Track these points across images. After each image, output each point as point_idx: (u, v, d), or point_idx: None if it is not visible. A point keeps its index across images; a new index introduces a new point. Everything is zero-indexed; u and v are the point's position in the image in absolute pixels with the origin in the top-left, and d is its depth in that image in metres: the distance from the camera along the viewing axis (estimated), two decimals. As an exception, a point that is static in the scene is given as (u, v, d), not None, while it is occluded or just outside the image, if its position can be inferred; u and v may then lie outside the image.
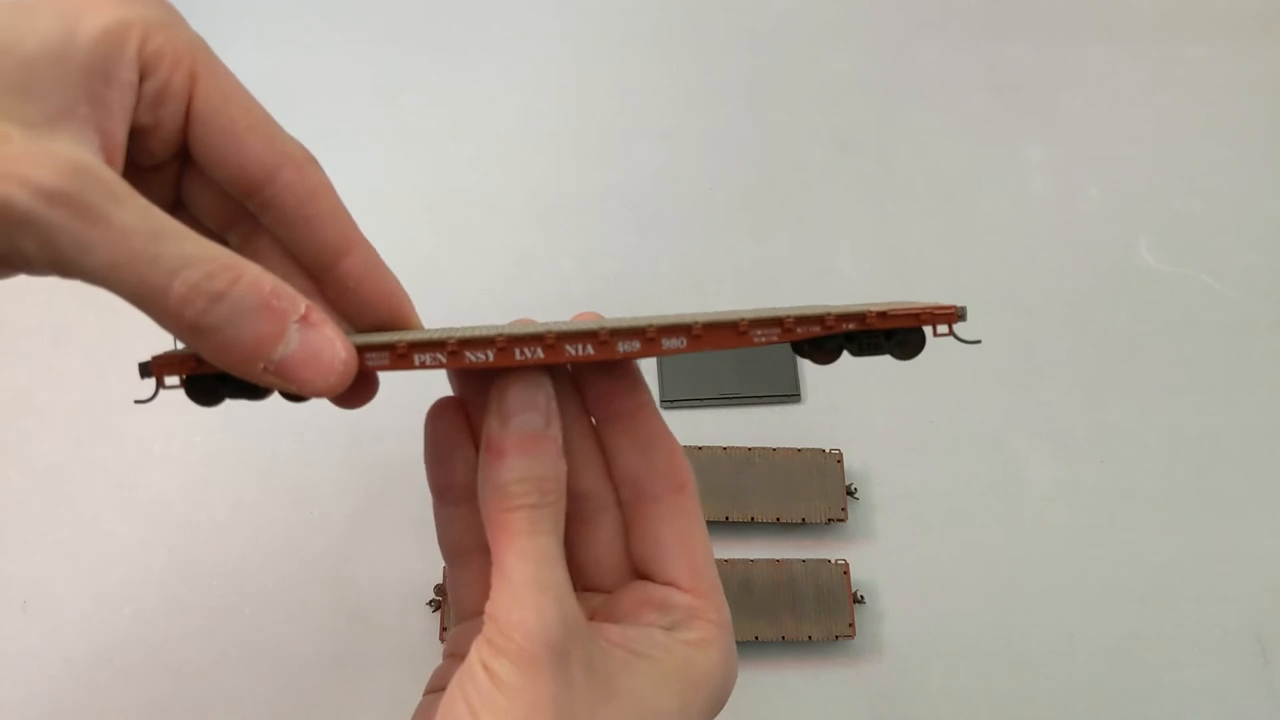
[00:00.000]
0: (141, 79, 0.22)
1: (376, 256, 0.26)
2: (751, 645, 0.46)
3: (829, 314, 0.27)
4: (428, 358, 0.24)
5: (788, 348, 0.30)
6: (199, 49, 0.23)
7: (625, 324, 0.25)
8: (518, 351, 0.25)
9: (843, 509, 0.48)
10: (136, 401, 0.24)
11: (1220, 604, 0.48)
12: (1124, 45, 0.65)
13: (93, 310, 0.51)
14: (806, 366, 0.53)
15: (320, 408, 0.50)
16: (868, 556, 0.48)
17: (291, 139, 0.25)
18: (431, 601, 0.45)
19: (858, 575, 0.47)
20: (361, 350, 0.23)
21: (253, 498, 0.48)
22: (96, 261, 0.19)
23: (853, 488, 0.49)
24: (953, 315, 0.28)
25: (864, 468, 0.50)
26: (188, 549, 0.47)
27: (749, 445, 0.49)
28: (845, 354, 0.28)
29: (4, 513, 0.48)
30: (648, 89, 0.62)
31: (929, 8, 0.66)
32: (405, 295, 0.27)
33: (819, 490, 0.48)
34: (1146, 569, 0.49)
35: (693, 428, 0.51)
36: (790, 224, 0.55)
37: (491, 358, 0.24)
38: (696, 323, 0.25)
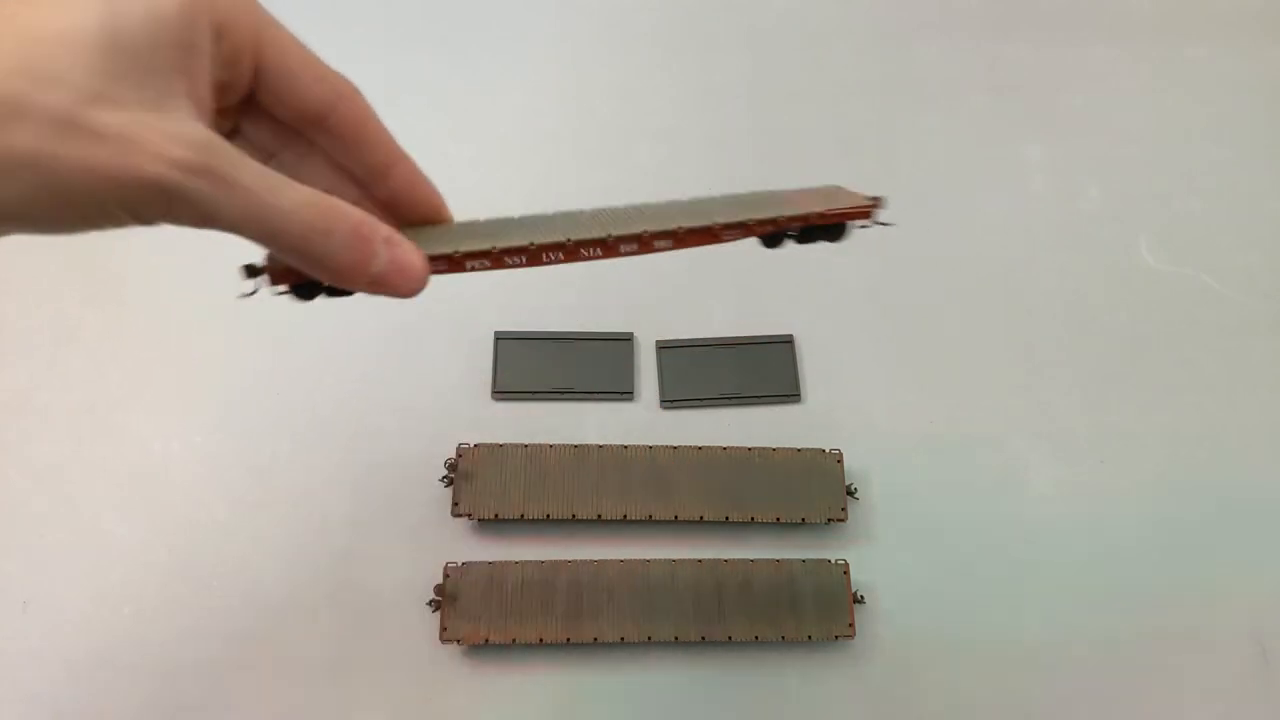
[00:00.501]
0: (216, 44, 0.26)
1: (416, 167, 0.31)
2: (751, 645, 0.46)
3: (781, 215, 0.33)
4: (476, 263, 0.30)
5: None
6: (256, 8, 0.27)
7: (626, 231, 0.31)
8: (544, 255, 0.30)
9: (843, 509, 0.48)
10: (241, 296, 0.28)
11: (1220, 604, 0.48)
12: (1124, 45, 0.65)
13: (93, 310, 0.52)
14: (806, 367, 0.53)
15: (318, 402, 0.50)
16: (868, 556, 0.48)
17: (339, 75, 0.29)
18: (431, 601, 0.45)
19: (858, 575, 0.47)
20: (429, 258, 0.28)
21: (253, 498, 0.48)
22: (232, 216, 0.24)
23: (853, 488, 0.49)
24: (868, 211, 0.35)
25: (864, 468, 0.50)
26: (188, 549, 0.47)
27: (749, 445, 0.49)
28: (790, 243, 0.34)
29: (4, 513, 0.48)
30: (648, 89, 0.62)
31: (929, 8, 0.66)
32: (441, 198, 0.32)
33: (819, 490, 0.48)
34: (1146, 569, 0.49)
35: (693, 428, 0.51)
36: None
37: (524, 261, 0.30)
38: (680, 227, 0.32)
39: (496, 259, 0.30)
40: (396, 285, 0.28)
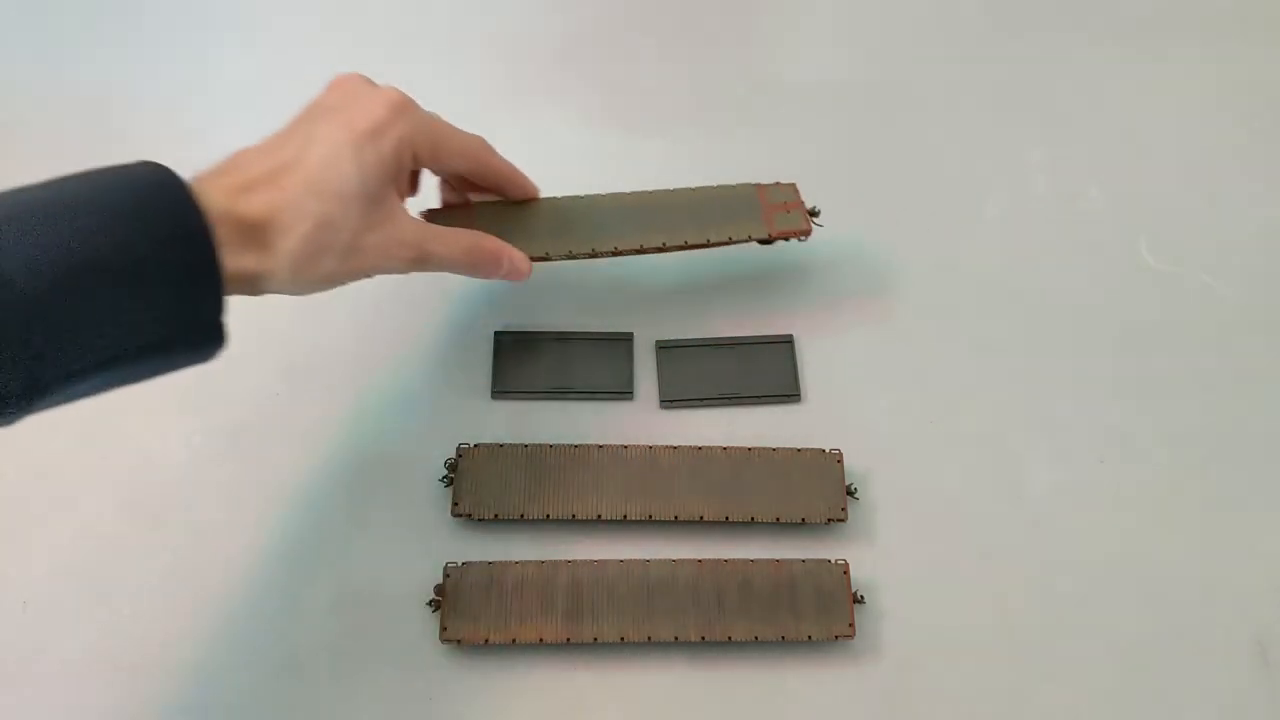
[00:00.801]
0: (411, 159, 0.42)
1: (524, 181, 0.50)
2: (751, 645, 0.46)
3: (750, 237, 0.50)
4: (557, 259, 0.48)
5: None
6: (429, 122, 0.43)
7: (643, 245, 0.49)
8: (599, 254, 0.49)
9: (843, 509, 0.48)
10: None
11: (1220, 604, 0.48)
12: (1124, 45, 0.65)
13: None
14: (806, 367, 0.53)
15: (317, 402, 0.50)
16: (868, 556, 0.48)
17: (477, 141, 0.46)
18: (431, 601, 0.45)
19: (858, 575, 0.47)
20: (532, 258, 0.47)
21: (252, 498, 0.48)
22: (438, 267, 0.44)
23: (853, 488, 0.49)
24: (807, 233, 0.51)
25: (864, 468, 0.50)
26: (188, 549, 0.47)
27: (749, 445, 0.49)
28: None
29: (4, 513, 0.48)
30: (647, 88, 0.62)
31: (930, 8, 0.66)
32: (535, 188, 0.50)
33: (819, 490, 0.48)
34: (1146, 569, 0.49)
35: (693, 428, 0.51)
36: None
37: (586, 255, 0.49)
38: (687, 241, 0.50)
39: (569, 257, 0.48)
40: (515, 279, 0.47)
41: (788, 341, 0.53)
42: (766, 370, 0.52)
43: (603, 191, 0.52)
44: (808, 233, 0.50)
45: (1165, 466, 0.51)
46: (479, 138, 0.46)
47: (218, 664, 0.45)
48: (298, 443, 0.50)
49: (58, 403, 0.33)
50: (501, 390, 0.51)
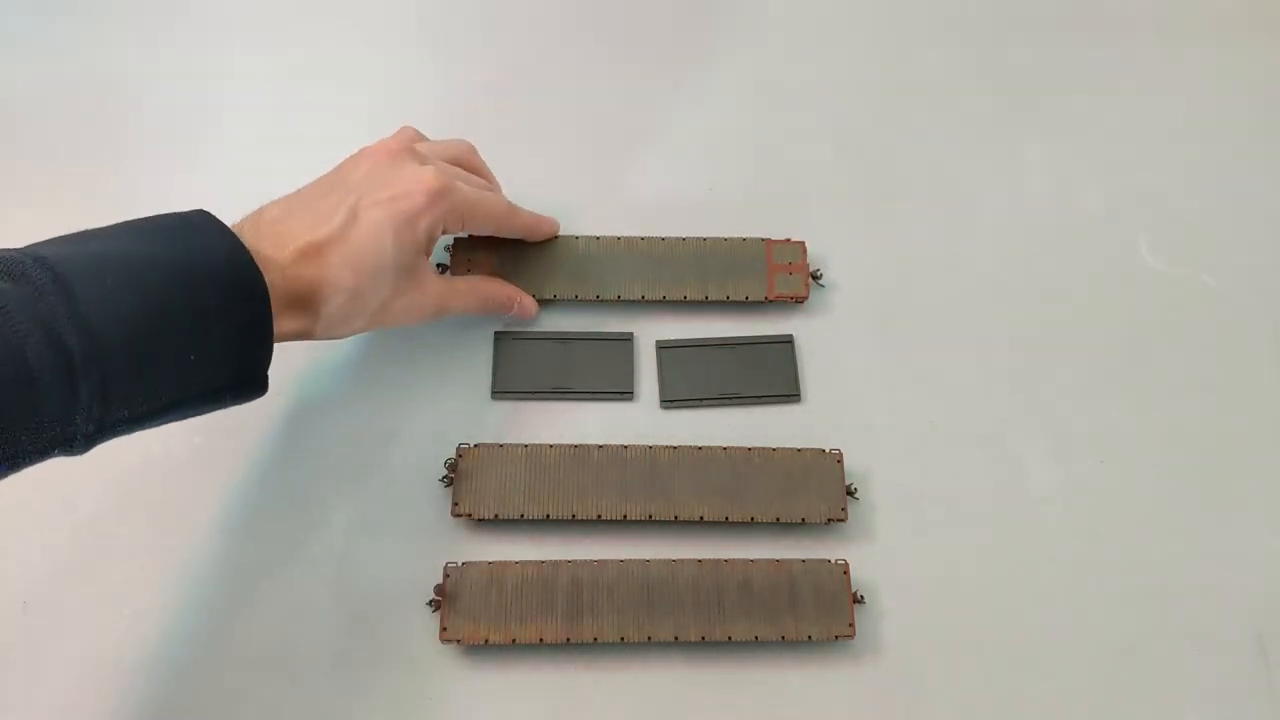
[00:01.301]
0: (440, 229, 0.46)
1: (542, 225, 0.53)
2: (751, 645, 0.46)
3: (748, 298, 0.53)
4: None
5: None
6: (463, 201, 0.46)
7: (645, 295, 0.54)
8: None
9: (843, 509, 0.48)
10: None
11: (1220, 604, 0.48)
12: (1124, 45, 0.65)
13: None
14: (806, 367, 0.53)
15: (317, 402, 0.50)
16: (868, 556, 0.48)
17: (502, 207, 0.50)
18: (431, 601, 0.45)
19: (858, 575, 0.47)
20: (540, 300, 0.52)
21: (253, 498, 0.48)
22: (456, 314, 0.50)
23: (853, 488, 0.49)
24: (803, 299, 0.54)
25: (864, 468, 0.50)
26: (188, 549, 0.47)
27: (749, 445, 0.49)
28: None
29: (4, 513, 0.48)
30: (647, 88, 0.62)
31: (930, 7, 0.66)
32: (556, 227, 0.54)
33: (819, 490, 0.48)
34: (1146, 569, 0.49)
35: (693, 428, 0.51)
36: (791, 224, 0.55)
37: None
38: (687, 296, 0.54)
39: (576, 300, 0.53)
40: (523, 318, 0.52)
41: (788, 341, 0.53)
42: (766, 370, 0.52)
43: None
44: (804, 299, 0.53)
45: (1165, 466, 0.51)
46: (504, 202, 0.50)
47: (218, 664, 0.45)
48: (298, 443, 0.50)
49: (119, 435, 0.36)
50: (501, 390, 0.51)
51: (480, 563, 0.46)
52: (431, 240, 0.45)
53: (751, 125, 0.61)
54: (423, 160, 0.45)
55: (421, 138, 0.49)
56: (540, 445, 0.48)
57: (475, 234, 0.51)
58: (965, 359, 0.54)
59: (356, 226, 0.42)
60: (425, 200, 0.43)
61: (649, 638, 0.45)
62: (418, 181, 0.44)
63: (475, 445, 0.48)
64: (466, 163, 0.50)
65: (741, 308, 0.54)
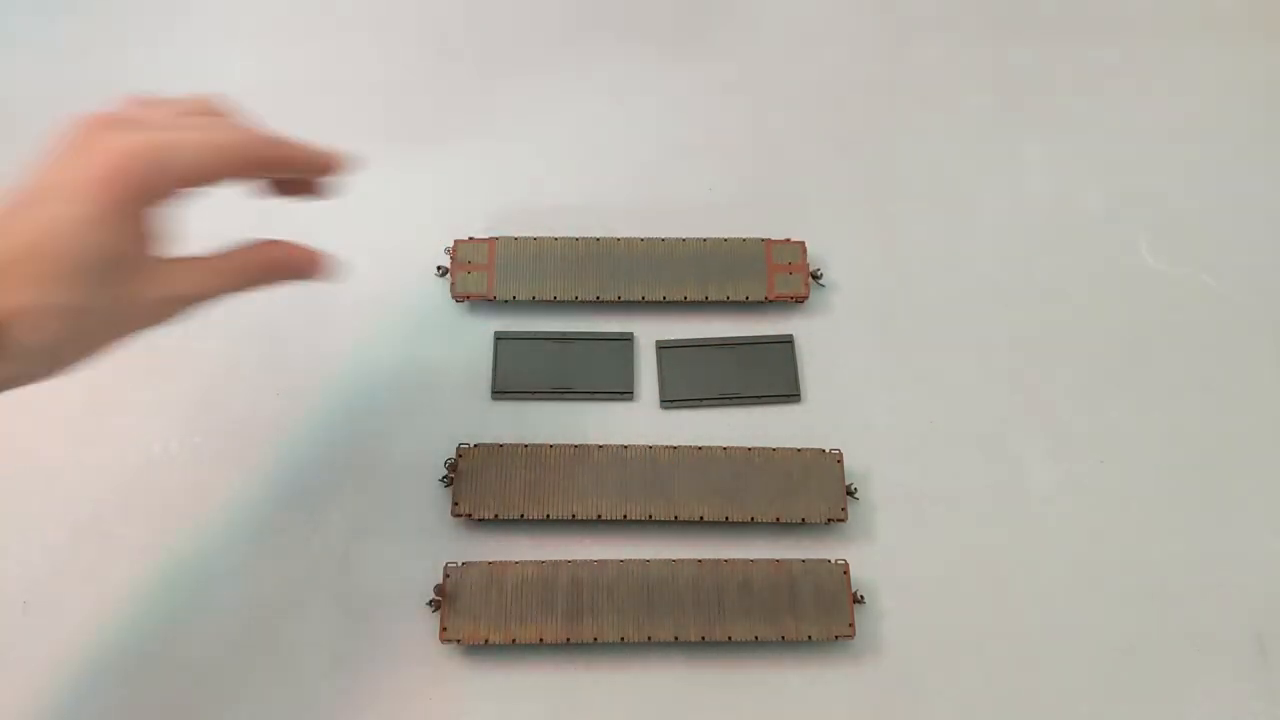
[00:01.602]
0: (153, 207, 0.35)
1: (311, 154, 0.39)
2: (751, 645, 0.46)
3: (748, 299, 0.53)
4: None
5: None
6: (159, 158, 0.34)
7: (645, 296, 0.53)
8: None
9: (843, 509, 0.48)
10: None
11: (1220, 604, 0.48)
12: (1124, 45, 0.65)
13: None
14: (806, 366, 0.53)
15: (317, 402, 0.50)
16: (868, 556, 0.48)
17: (233, 136, 0.37)
18: (431, 601, 0.45)
19: (858, 575, 0.47)
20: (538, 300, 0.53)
21: (253, 498, 0.48)
22: (223, 294, 0.37)
23: (853, 488, 0.49)
24: (803, 299, 0.53)
25: (864, 468, 0.50)
26: (188, 549, 0.47)
27: (749, 445, 0.49)
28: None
29: (4, 513, 0.48)
30: (646, 88, 0.62)
31: (930, 7, 0.66)
32: (337, 159, 0.40)
33: (819, 490, 0.48)
34: (1146, 569, 0.49)
35: (693, 428, 0.51)
36: (791, 224, 0.55)
37: None
38: (686, 297, 0.53)
39: (576, 301, 0.53)
40: (317, 278, 0.40)
41: (788, 341, 0.53)
42: (766, 370, 0.52)
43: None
44: (804, 299, 0.53)
45: (1166, 466, 0.51)
46: (233, 134, 0.37)
47: (218, 664, 0.45)
48: (298, 443, 0.50)
49: None
50: (501, 390, 0.51)
51: (480, 563, 0.46)
52: (140, 219, 0.34)
53: (751, 125, 0.61)
54: (119, 127, 0.35)
55: (149, 104, 0.39)
56: (540, 445, 0.48)
57: (217, 183, 0.36)
58: (965, 359, 0.54)
59: (31, 233, 0.32)
60: (103, 173, 0.33)
61: (649, 638, 0.45)
62: (91, 157, 0.34)
63: (475, 445, 0.48)
64: (203, 112, 0.39)
65: (741, 308, 0.54)
